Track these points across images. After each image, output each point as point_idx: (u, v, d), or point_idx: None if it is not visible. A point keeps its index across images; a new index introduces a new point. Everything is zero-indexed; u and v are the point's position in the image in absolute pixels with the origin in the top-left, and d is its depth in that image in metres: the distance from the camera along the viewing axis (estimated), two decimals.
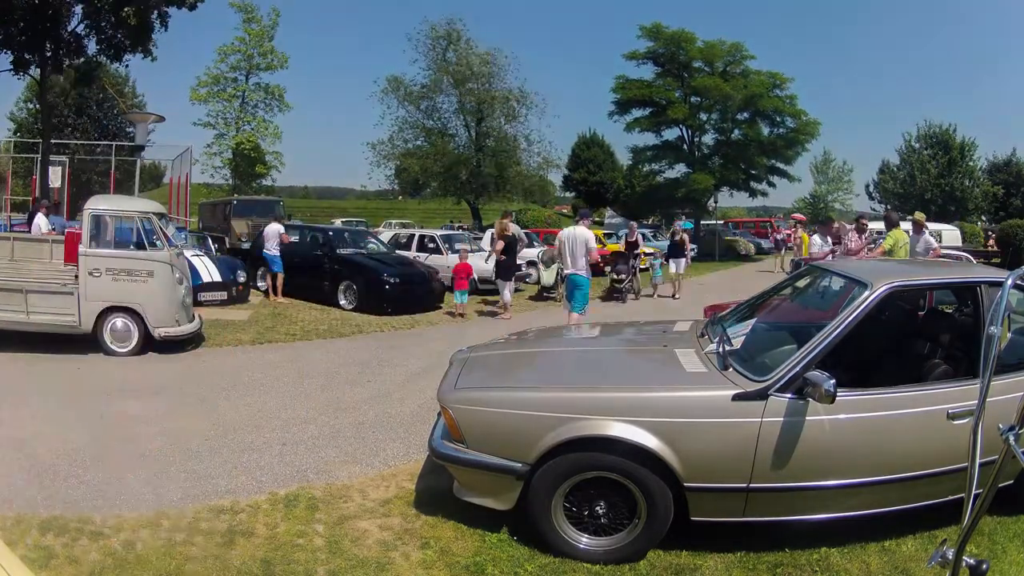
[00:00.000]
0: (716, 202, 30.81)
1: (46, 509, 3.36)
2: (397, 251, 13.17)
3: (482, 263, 12.17)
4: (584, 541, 3.02)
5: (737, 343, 3.53)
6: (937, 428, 2.93)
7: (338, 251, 11.29)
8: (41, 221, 10.03)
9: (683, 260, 13.61)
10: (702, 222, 31.11)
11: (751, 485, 2.88)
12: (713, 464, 2.89)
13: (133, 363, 6.61)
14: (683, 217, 32.38)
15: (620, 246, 14.29)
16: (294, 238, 12.45)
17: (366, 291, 10.34)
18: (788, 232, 21.20)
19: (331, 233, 12.14)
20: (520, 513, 3.09)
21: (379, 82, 29.28)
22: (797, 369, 2.88)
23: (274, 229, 11.09)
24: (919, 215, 8.86)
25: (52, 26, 16.27)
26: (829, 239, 10.60)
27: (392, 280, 10.34)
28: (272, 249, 10.97)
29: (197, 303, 8.76)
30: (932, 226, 21.32)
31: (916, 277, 3.64)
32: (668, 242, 14.97)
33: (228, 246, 15.99)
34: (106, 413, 4.99)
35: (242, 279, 10.73)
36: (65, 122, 29.88)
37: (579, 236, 7.42)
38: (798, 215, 22.76)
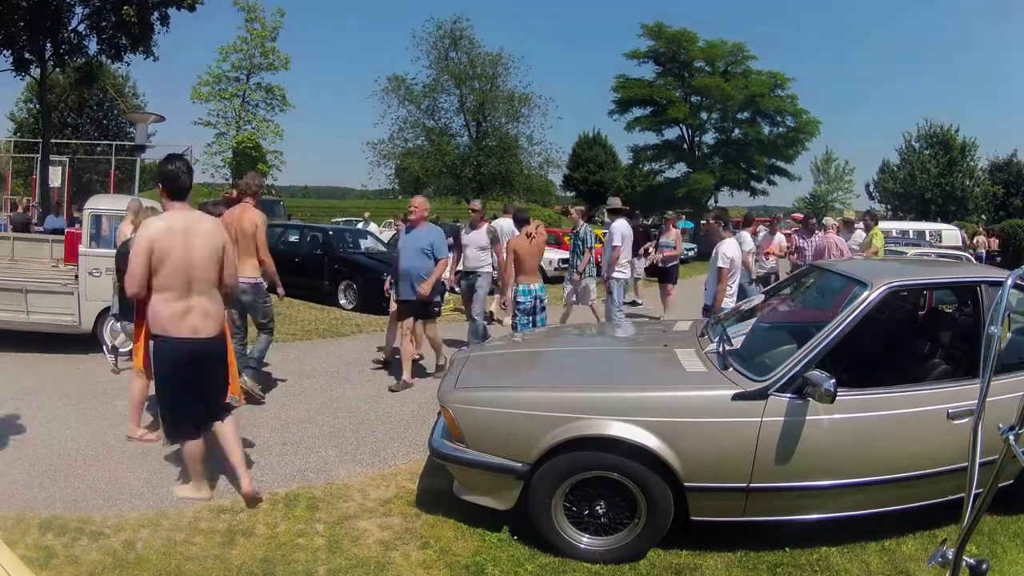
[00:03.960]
0: (716, 201, 30.85)
1: (46, 509, 3.36)
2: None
3: None
4: (584, 541, 3.02)
5: (737, 343, 3.53)
6: (937, 428, 2.93)
7: (338, 251, 11.27)
8: None
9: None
10: (702, 221, 31.11)
11: (751, 485, 2.88)
12: (713, 464, 2.89)
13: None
14: (682, 216, 32.30)
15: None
16: (294, 238, 12.42)
17: (366, 291, 10.34)
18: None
19: (331, 233, 12.12)
20: (520, 513, 3.09)
21: (380, 81, 29.31)
22: (797, 369, 2.88)
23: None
24: (848, 213, 9.13)
25: (53, 26, 16.28)
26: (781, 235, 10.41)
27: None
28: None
29: None
30: (932, 226, 21.48)
31: (916, 277, 3.64)
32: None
33: None
34: (106, 412, 4.99)
35: None
36: (65, 122, 29.87)
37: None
38: (798, 215, 22.78)
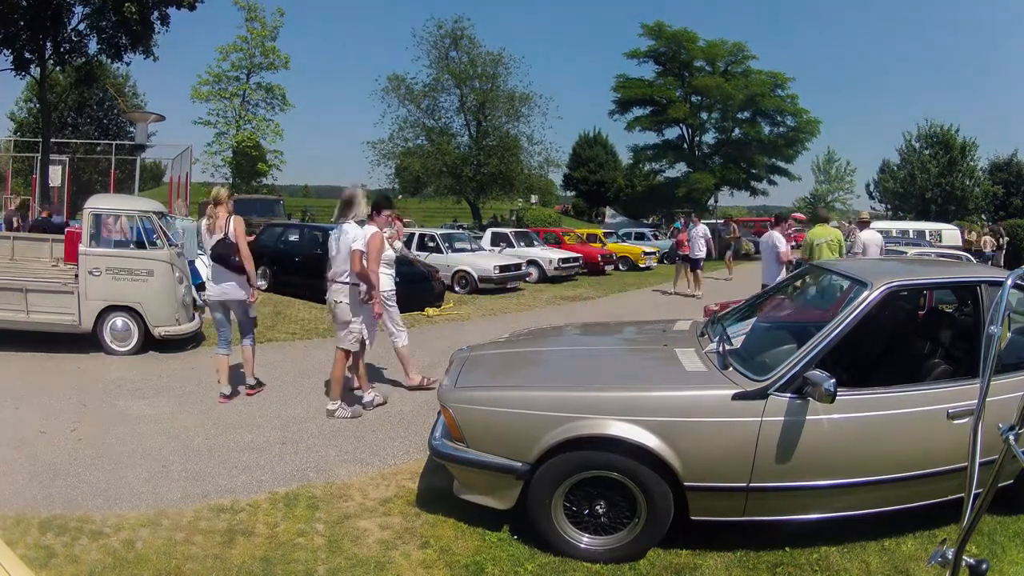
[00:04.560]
0: (716, 201, 30.86)
1: (46, 508, 3.37)
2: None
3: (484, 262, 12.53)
4: (584, 540, 3.02)
5: (737, 342, 3.53)
6: (937, 428, 2.93)
7: None
8: None
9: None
10: (702, 221, 31.11)
11: (751, 484, 2.88)
12: (713, 463, 2.89)
13: (133, 362, 6.61)
14: (680, 216, 32.27)
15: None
16: (294, 237, 12.41)
17: None
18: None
19: (331, 232, 12.09)
20: (520, 512, 3.09)
21: (380, 80, 29.40)
22: (797, 368, 2.88)
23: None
24: (863, 214, 9.28)
25: (53, 25, 16.29)
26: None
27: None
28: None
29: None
30: (932, 226, 21.48)
31: (916, 277, 3.63)
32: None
33: None
34: (106, 412, 4.99)
35: None
36: (65, 121, 29.88)
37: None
38: (798, 215, 22.76)
